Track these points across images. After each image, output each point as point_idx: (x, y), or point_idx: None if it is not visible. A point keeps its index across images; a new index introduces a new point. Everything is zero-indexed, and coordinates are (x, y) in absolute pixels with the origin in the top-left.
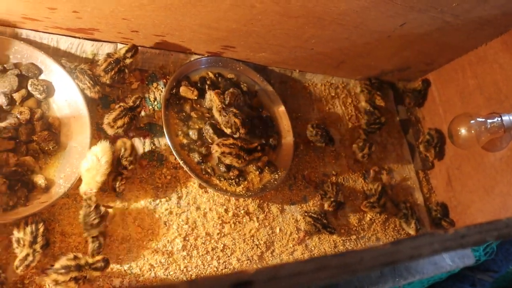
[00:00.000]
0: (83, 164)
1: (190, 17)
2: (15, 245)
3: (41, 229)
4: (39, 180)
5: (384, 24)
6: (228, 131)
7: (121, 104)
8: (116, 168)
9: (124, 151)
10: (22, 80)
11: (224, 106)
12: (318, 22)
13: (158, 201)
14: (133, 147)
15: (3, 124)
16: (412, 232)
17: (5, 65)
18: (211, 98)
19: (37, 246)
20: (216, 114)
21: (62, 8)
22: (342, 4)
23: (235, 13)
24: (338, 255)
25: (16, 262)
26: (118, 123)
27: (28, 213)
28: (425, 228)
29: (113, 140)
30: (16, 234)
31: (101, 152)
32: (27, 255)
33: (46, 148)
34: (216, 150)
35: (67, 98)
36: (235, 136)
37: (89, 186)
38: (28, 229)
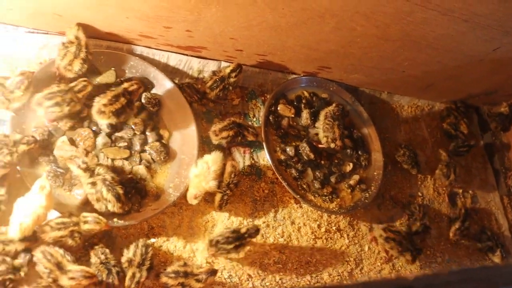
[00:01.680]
0: (193, 169)
1: (293, 38)
2: (125, 264)
3: (150, 253)
4: (152, 188)
5: (478, 48)
6: (324, 140)
7: (232, 118)
8: (223, 188)
9: (234, 176)
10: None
11: (332, 115)
12: (414, 45)
13: (256, 213)
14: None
15: (119, 134)
16: (497, 260)
17: (121, 79)
18: (322, 114)
19: (144, 268)
20: (320, 124)
21: (177, 27)
22: (439, 28)
23: (336, 35)
24: (482, 267)
25: (127, 282)
26: (223, 133)
27: (142, 218)
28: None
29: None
30: (127, 254)
31: (212, 161)
32: (134, 273)
33: (158, 159)
34: None
35: (176, 111)
36: (331, 145)
37: (197, 189)
38: (139, 251)
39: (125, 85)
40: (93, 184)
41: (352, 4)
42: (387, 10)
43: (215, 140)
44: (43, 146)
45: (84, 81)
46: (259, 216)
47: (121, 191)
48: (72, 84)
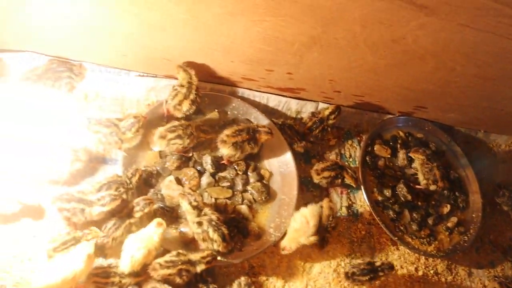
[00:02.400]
0: (292, 223)
1: (391, 79)
2: None
3: None
4: (254, 227)
5: None
6: (423, 182)
7: (335, 159)
8: (322, 230)
9: (332, 219)
10: None
11: (427, 158)
12: None
13: (353, 254)
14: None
15: (223, 174)
16: None
17: (224, 120)
18: (416, 157)
19: None
20: (418, 166)
21: (278, 70)
22: None
23: (435, 75)
24: None
25: None
26: (325, 173)
27: (244, 257)
28: None
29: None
30: None
31: (310, 215)
32: None
33: (259, 199)
34: None
35: (276, 152)
36: (431, 188)
37: (291, 244)
38: None
39: (253, 125)
40: (199, 224)
41: (454, 45)
42: (490, 49)
43: (316, 179)
44: (150, 184)
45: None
46: (356, 257)
47: (226, 231)
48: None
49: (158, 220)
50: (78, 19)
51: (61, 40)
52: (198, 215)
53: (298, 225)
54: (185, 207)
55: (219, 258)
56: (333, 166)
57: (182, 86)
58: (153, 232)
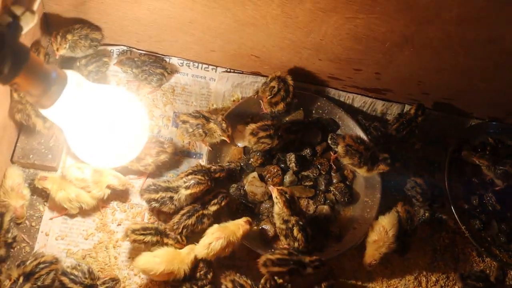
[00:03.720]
0: (370, 234)
1: (485, 82)
2: None
3: None
4: (335, 229)
5: None
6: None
7: None
8: (402, 235)
9: (410, 222)
10: (322, 133)
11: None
12: None
13: (435, 263)
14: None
15: (305, 173)
16: None
17: (309, 119)
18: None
19: None
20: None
21: (366, 69)
22: None
23: None
24: None
25: None
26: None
27: (324, 258)
28: None
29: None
30: None
31: (389, 225)
32: None
33: (341, 200)
34: None
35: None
36: None
37: (373, 257)
38: None
39: None
40: (286, 221)
41: None
42: None
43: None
44: (233, 180)
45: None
46: (438, 266)
47: (310, 233)
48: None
49: (248, 218)
50: (174, 15)
51: (154, 35)
52: (289, 215)
53: (376, 236)
54: (279, 204)
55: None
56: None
57: (279, 89)
58: (238, 228)
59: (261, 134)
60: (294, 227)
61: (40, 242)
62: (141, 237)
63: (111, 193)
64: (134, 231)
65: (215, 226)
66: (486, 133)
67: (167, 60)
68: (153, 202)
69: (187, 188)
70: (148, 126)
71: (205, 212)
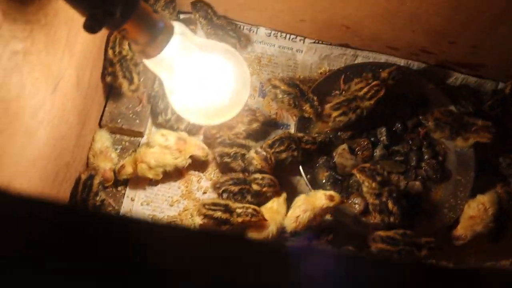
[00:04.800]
0: (467, 210)
1: None
2: None
3: None
4: (427, 206)
5: None
6: None
7: None
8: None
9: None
10: (412, 108)
11: None
12: None
13: None
14: None
15: (396, 148)
16: None
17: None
18: None
19: None
20: None
21: (462, 43)
22: None
23: None
24: None
25: None
26: None
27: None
28: None
29: None
30: None
31: (489, 203)
32: None
33: (433, 176)
34: None
35: None
36: None
37: (466, 232)
38: None
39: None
40: (379, 194)
41: None
42: None
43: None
44: (323, 151)
45: (377, 85)
46: None
47: (406, 205)
48: (360, 92)
49: (331, 193)
50: None
51: (244, 3)
52: (380, 188)
53: (475, 212)
54: (366, 185)
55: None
56: None
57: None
58: (322, 202)
59: (335, 113)
60: (389, 201)
61: (125, 207)
62: (211, 212)
63: (192, 162)
64: (204, 205)
65: (302, 196)
66: None
67: (255, 30)
68: (225, 157)
69: (256, 153)
70: (249, 83)
71: (250, 188)
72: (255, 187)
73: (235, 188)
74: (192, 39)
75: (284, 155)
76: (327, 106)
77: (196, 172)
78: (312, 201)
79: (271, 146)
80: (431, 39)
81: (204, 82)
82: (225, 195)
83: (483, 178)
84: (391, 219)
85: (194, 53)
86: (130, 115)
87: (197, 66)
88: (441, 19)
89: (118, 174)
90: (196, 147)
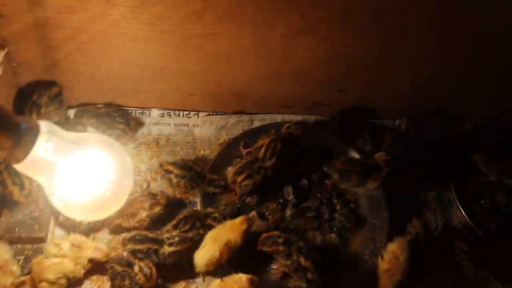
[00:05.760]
0: (380, 264)
1: (473, 80)
2: None
3: None
4: (347, 257)
5: None
6: None
7: None
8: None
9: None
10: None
11: None
12: None
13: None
14: None
15: (306, 204)
16: None
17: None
18: None
19: None
20: None
21: (352, 89)
22: None
23: None
24: None
25: None
26: None
27: None
28: None
29: None
30: None
31: (399, 250)
32: None
33: (348, 225)
34: None
35: None
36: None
37: (387, 286)
38: None
39: None
40: (289, 255)
41: None
42: None
43: None
44: None
45: (272, 141)
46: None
47: (319, 258)
48: (260, 153)
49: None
50: (146, 63)
51: (130, 88)
52: (289, 248)
53: (388, 265)
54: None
55: None
56: None
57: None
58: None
59: (239, 178)
60: (300, 257)
61: None
62: None
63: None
64: None
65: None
66: (485, 134)
67: (147, 112)
68: (138, 254)
69: (170, 245)
70: (131, 171)
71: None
72: None
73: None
74: (63, 136)
75: (190, 235)
76: (230, 172)
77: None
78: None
79: (175, 226)
80: (321, 91)
81: (82, 178)
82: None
83: (398, 215)
84: (308, 275)
85: (66, 150)
86: (28, 222)
87: (71, 162)
88: (323, 71)
89: None
90: (94, 249)
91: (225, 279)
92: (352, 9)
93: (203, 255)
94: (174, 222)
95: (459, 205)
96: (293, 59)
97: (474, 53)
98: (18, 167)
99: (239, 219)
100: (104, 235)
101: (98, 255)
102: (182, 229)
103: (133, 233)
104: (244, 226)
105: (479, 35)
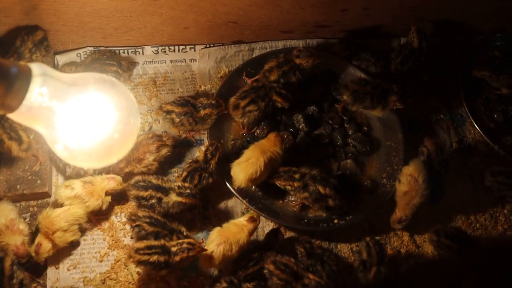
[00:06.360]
0: (398, 187)
1: None
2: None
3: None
4: (365, 181)
5: None
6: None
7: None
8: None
9: (441, 154)
10: (323, 86)
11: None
12: None
13: (476, 193)
14: None
15: (318, 132)
16: None
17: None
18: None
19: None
20: None
21: (354, 7)
22: None
23: None
24: None
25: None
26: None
27: (362, 216)
28: None
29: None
30: (360, 257)
31: (416, 171)
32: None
33: (363, 149)
34: None
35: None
36: None
37: (405, 212)
38: (373, 250)
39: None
40: (305, 186)
41: None
42: None
43: None
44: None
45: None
46: (480, 196)
47: (335, 181)
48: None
49: (252, 214)
50: None
51: (120, 26)
52: (300, 180)
53: (406, 187)
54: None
55: (335, 221)
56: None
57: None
58: (242, 228)
59: (243, 103)
60: (318, 186)
61: (51, 278)
62: (146, 257)
63: (112, 199)
64: (137, 251)
65: (216, 229)
66: (493, 47)
67: (140, 51)
68: (142, 200)
69: (179, 195)
70: (137, 110)
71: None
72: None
73: (149, 228)
74: (58, 77)
75: (199, 186)
76: (232, 98)
77: (117, 217)
78: (227, 231)
79: (185, 179)
80: (322, 11)
81: (86, 121)
82: (136, 230)
83: (411, 137)
84: (330, 202)
85: (63, 93)
86: (29, 177)
87: (71, 106)
88: None
89: (37, 256)
90: (106, 180)
91: (224, 225)
92: None
93: (246, 168)
94: (183, 174)
95: (473, 121)
96: None
97: None
98: (12, 116)
99: (272, 134)
100: None
101: (112, 184)
102: (195, 183)
103: (136, 178)
104: (279, 139)
105: None
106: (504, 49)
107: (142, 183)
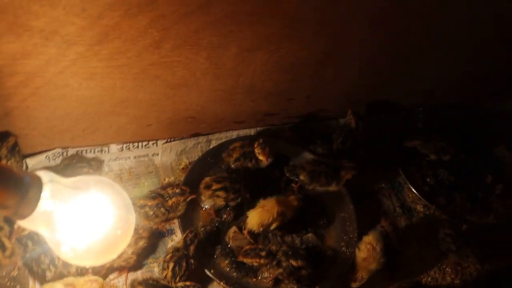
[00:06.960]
0: (358, 253)
1: (398, 75)
2: None
3: None
4: (327, 252)
5: None
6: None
7: None
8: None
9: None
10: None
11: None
12: None
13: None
14: None
15: None
16: None
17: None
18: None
19: None
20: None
21: (298, 97)
22: None
23: None
24: None
25: None
26: None
27: (330, 285)
28: None
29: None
30: None
31: (374, 241)
32: None
33: (321, 223)
34: None
35: None
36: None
37: (363, 274)
38: None
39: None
40: (278, 263)
41: None
42: None
43: None
44: (213, 242)
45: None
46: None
47: (304, 252)
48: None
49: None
50: (105, 99)
51: (88, 127)
52: (274, 259)
53: (365, 253)
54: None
55: None
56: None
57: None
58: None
59: (215, 186)
60: (291, 260)
61: None
62: None
63: None
64: None
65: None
66: (417, 119)
67: (106, 149)
68: None
69: None
70: (132, 206)
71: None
72: None
73: None
74: (63, 182)
75: (187, 273)
76: (207, 178)
77: None
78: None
79: (174, 272)
80: (271, 102)
81: (90, 221)
82: None
83: (359, 206)
84: (303, 272)
85: (67, 197)
86: (8, 284)
87: (77, 208)
88: (274, 82)
89: None
90: (89, 283)
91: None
92: (298, 21)
93: (260, 215)
94: (169, 265)
95: (410, 186)
96: (245, 75)
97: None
98: (23, 223)
99: (292, 197)
100: None
101: (95, 287)
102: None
103: (145, 276)
104: (296, 204)
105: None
106: (425, 121)
107: (151, 282)
